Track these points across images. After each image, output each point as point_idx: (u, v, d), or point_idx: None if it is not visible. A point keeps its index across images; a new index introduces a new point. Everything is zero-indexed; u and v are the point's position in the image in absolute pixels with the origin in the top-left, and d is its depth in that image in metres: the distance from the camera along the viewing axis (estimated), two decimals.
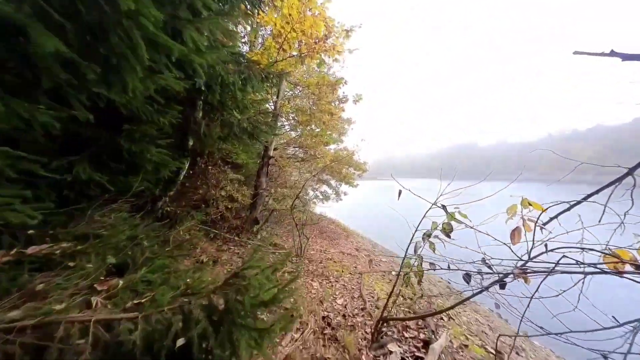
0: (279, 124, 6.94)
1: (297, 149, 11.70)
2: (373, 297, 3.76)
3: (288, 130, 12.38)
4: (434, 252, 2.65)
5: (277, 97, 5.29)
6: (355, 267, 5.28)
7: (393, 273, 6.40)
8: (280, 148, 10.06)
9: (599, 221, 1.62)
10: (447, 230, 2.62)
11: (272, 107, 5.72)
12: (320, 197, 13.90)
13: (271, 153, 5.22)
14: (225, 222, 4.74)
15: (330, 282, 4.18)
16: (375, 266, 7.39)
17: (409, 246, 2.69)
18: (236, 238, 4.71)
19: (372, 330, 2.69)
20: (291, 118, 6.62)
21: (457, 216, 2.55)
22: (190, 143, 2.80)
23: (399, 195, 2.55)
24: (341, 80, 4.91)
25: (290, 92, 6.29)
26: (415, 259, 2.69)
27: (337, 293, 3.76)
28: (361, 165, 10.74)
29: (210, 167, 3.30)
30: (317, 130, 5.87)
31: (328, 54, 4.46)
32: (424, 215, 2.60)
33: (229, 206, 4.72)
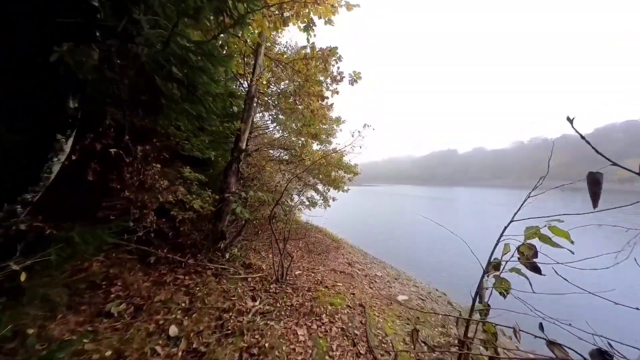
0: (257, 112, 5.67)
1: (280, 151, 10.47)
2: (388, 353, 2.55)
3: (270, 130, 11.16)
4: (504, 297, 1.51)
5: (253, 73, 4.07)
6: (353, 295, 4.06)
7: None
8: (260, 148, 8.77)
9: None
10: (529, 258, 1.51)
11: (246, 89, 4.48)
12: (307, 203, 12.67)
13: (244, 144, 3.95)
14: (174, 238, 3.37)
15: (323, 323, 2.93)
16: (374, 283, 6.22)
17: (478, 292, 1.53)
18: (190, 261, 3.35)
19: None
20: (272, 107, 5.38)
21: (552, 235, 1.45)
22: (72, 105, 1.50)
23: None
24: (335, 50, 3.78)
25: (270, 75, 5.09)
26: (481, 309, 1.53)
27: (334, 346, 2.51)
28: (352, 167, 9.65)
29: (116, 152, 1.98)
30: (300, 124, 4.66)
31: (319, 12, 3.33)
32: (506, 228, 1.46)
33: (182, 216, 3.37)
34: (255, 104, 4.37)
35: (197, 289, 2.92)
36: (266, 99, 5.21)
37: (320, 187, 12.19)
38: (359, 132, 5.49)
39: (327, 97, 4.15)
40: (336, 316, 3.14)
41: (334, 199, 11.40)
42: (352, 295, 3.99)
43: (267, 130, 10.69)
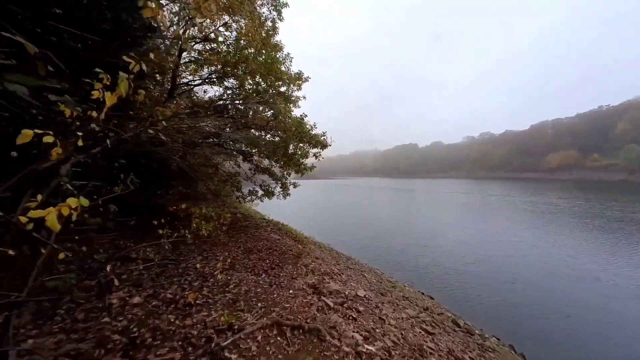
0: None
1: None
2: None
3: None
4: None
5: None
6: None
7: None
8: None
9: None
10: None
11: None
12: (260, 192, 9.38)
13: None
14: None
15: None
16: (358, 320, 3.38)
17: None
18: None
19: None
20: None
21: None
22: None
23: None
24: None
25: None
26: None
27: None
28: (319, 137, 6.60)
29: None
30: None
31: None
32: None
33: None
34: None
35: None
36: None
37: (277, 170, 9.00)
38: None
39: None
40: None
41: (294, 185, 8.37)
42: None
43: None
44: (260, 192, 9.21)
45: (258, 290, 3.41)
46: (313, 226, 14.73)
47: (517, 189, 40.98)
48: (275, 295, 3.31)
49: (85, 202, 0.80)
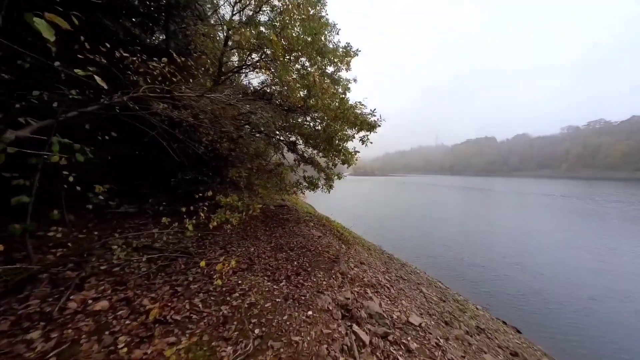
0: None
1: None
2: None
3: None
4: None
5: None
6: None
7: None
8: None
9: None
10: None
11: None
12: (305, 183, 8.74)
13: None
14: None
15: None
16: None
17: None
18: None
19: None
20: None
21: None
22: None
23: None
24: None
25: None
26: None
27: None
28: (366, 117, 5.37)
29: None
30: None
31: None
32: None
33: None
34: None
35: None
36: None
37: (321, 160, 8.16)
38: None
39: None
40: None
41: (339, 176, 7.36)
42: None
43: None
44: (304, 184, 8.60)
45: (267, 305, 2.57)
46: (365, 225, 13.46)
47: None
48: (285, 318, 2.40)
49: None
